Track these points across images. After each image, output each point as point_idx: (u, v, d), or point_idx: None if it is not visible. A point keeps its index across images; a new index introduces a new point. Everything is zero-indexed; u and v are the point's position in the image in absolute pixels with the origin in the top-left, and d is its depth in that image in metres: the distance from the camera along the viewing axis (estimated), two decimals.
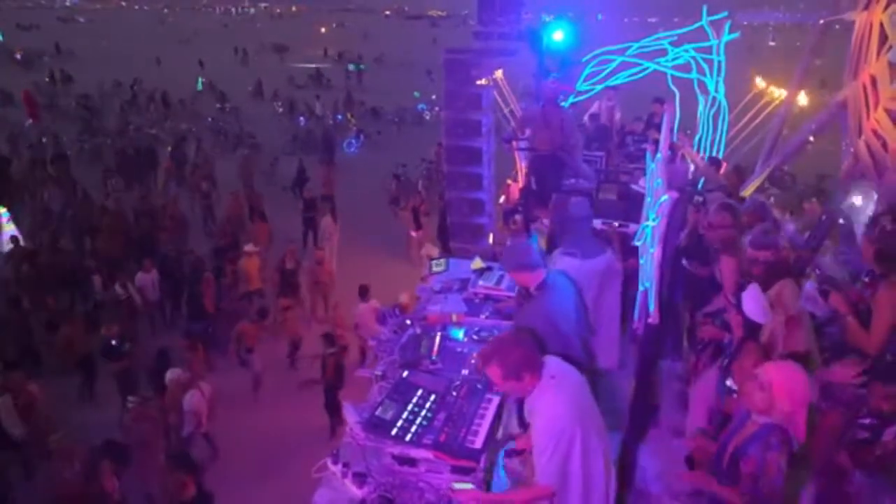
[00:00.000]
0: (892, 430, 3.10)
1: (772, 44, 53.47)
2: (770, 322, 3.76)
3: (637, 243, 4.53)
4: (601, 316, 4.47)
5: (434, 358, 4.05)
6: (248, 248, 10.96)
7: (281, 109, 27.27)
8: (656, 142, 8.77)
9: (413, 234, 13.21)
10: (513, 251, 3.93)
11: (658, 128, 8.88)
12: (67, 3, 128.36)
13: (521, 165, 9.04)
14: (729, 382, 3.55)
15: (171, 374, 7.48)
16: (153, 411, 7.08)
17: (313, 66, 41.53)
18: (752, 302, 3.63)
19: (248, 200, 14.04)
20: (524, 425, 3.29)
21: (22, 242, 11.73)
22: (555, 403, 2.82)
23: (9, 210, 13.16)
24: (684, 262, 4.95)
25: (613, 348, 4.59)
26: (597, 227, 5.27)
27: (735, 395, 3.44)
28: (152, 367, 8.18)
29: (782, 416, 2.75)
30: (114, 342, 8.27)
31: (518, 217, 6.86)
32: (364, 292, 9.48)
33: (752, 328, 3.66)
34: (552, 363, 2.93)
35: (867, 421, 3.24)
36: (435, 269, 5.60)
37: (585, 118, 9.65)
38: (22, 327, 9.16)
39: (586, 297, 4.27)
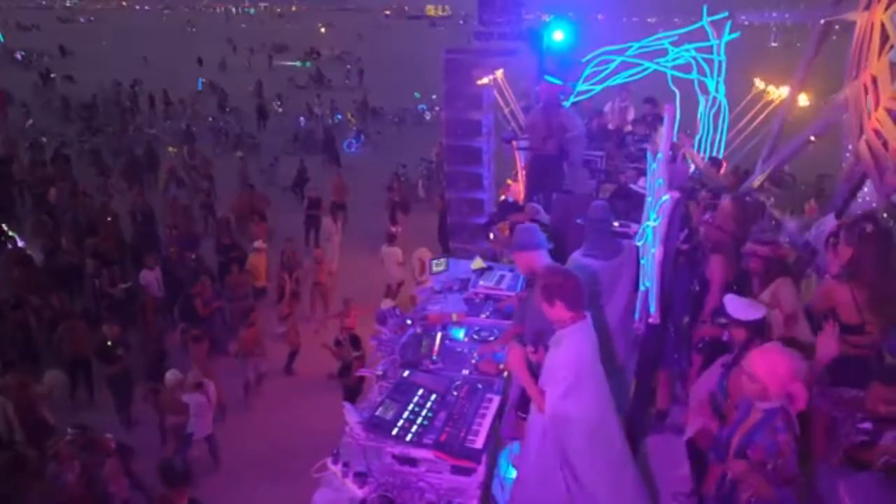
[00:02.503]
0: (891, 434, 3.09)
1: (774, 44, 53.43)
2: (769, 317, 3.76)
3: (638, 243, 4.53)
4: (625, 312, 4.55)
5: (435, 358, 4.06)
6: (258, 244, 11.02)
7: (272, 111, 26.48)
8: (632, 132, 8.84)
9: (393, 229, 13.18)
10: (519, 233, 4.01)
11: (651, 126, 8.91)
12: (67, 4, 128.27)
13: (521, 165, 9.03)
14: None
15: (170, 376, 7.34)
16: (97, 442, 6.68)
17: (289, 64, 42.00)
18: (736, 306, 3.62)
19: (250, 201, 14.04)
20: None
21: (20, 243, 11.71)
22: (581, 344, 3.12)
23: (9, 209, 13.19)
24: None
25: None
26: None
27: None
28: (151, 367, 8.14)
29: (780, 397, 2.79)
30: (109, 343, 8.14)
31: (500, 227, 6.82)
32: (392, 239, 11.03)
33: (757, 330, 3.65)
34: (590, 319, 3.20)
35: (865, 426, 3.24)
36: (435, 269, 5.61)
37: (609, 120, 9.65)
38: (19, 328, 9.11)
39: (609, 295, 4.32)
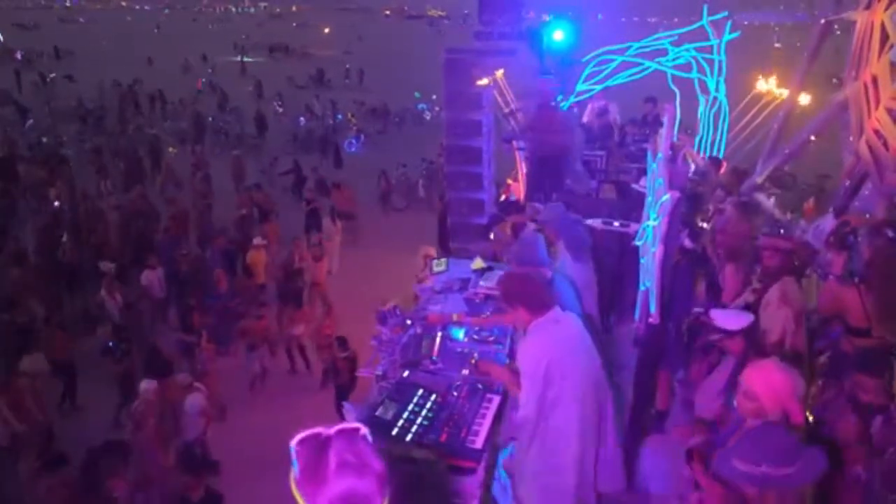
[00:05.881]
0: (879, 419, 3.10)
1: (777, 45, 53.29)
2: (779, 320, 3.76)
3: (638, 243, 4.53)
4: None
5: (434, 358, 4.05)
6: (257, 241, 10.97)
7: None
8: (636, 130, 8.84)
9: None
10: (521, 245, 4.09)
11: (651, 126, 8.90)
12: (67, 4, 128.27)
13: (521, 165, 9.03)
14: None
15: (144, 384, 6.94)
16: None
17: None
18: (723, 318, 3.61)
19: (254, 200, 14.03)
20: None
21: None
22: (534, 343, 3.21)
23: (12, 210, 13.14)
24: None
25: None
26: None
27: None
28: (146, 367, 8.08)
29: (776, 415, 2.73)
30: (111, 343, 8.11)
31: (500, 227, 6.81)
32: None
33: (751, 340, 3.64)
34: (555, 314, 3.24)
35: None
36: (435, 269, 5.60)
37: (585, 118, 9.62)
38: (12, 328, 9.03)
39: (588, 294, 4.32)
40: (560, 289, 3.82)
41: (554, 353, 3.15)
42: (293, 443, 1.39)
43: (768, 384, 2.72)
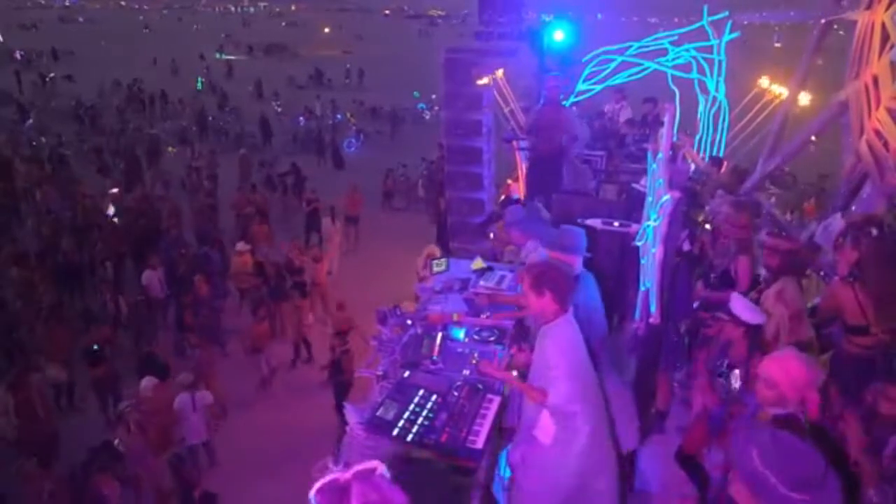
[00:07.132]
0: (895, 440, 3.07)
1: (777, 45, 53.25)
2: (774, 318, 3.76)
3: (638, 243, 4.52)
4: None
5: (435, 358, 4.04)
6: (240, 246, 10.93)
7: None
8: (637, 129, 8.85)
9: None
10: (562, 233, 4.15)
11: (651, 126, 8.91)
12: (67, 3, 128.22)
13: (522, 165, 9.03)
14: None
15: (145, 382, 6.96)
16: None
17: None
18: (741, 306, 3.63)
19: (251, 201, 14.02)
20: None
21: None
22: (570, 337, 3.27)
23: (10, 210, 13.12)
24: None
25: None
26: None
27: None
28: (143, 369, 8.09)
29: (794, 404, 2.75)
30: (95, 347, 8.10)
31: (499, 225, 6.80)
32: None
33: (754, 337, 3.64)
34: (570, 316, 3.31)
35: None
36: (435, 269, 5.59)
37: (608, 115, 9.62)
38: (9, 328, 9.04)
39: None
40: (585, 283, 3.91)
41: (574, 351, 3.27)
42: (312, 492, 1.40)
43: (786, 372, 2.75)
